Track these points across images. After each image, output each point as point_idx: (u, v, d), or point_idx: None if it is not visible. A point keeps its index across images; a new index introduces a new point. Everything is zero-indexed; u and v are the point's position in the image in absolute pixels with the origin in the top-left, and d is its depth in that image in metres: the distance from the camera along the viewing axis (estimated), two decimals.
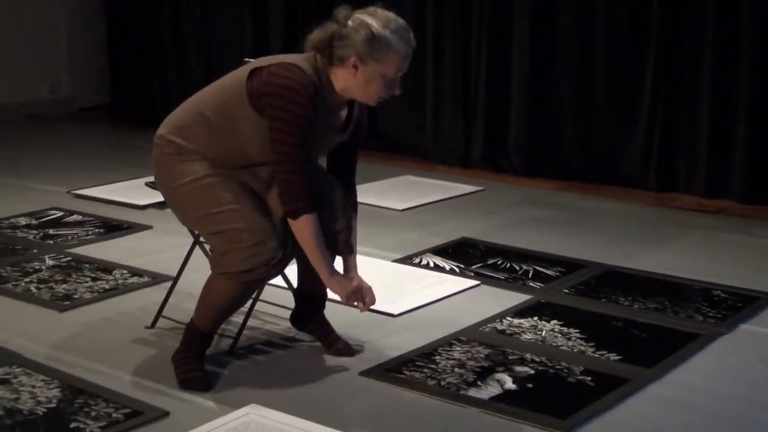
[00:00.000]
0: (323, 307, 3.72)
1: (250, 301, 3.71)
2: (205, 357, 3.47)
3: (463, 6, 6.61)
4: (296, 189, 3.22)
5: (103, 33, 8.61)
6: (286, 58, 3.31)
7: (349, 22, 3.25)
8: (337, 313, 3.82)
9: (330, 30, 3.27)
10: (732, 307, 4.17)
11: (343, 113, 3.44)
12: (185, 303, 3.71)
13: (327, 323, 3.72)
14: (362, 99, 3.35)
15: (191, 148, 3.35)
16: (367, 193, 5.98)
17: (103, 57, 8.67)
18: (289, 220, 3.26)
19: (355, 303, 3.43)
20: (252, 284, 3.34)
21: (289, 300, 3.91)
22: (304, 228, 3.25)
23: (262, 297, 3.81)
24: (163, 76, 8.06)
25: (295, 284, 3.78)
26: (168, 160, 3.40)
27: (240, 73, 3.33)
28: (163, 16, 8.11)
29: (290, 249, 3.33)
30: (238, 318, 3.79)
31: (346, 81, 3.28)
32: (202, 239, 3.70)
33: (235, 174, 3.34)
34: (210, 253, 3.43)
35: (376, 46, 3.21)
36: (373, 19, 3.25)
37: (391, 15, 3.32)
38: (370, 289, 3.48)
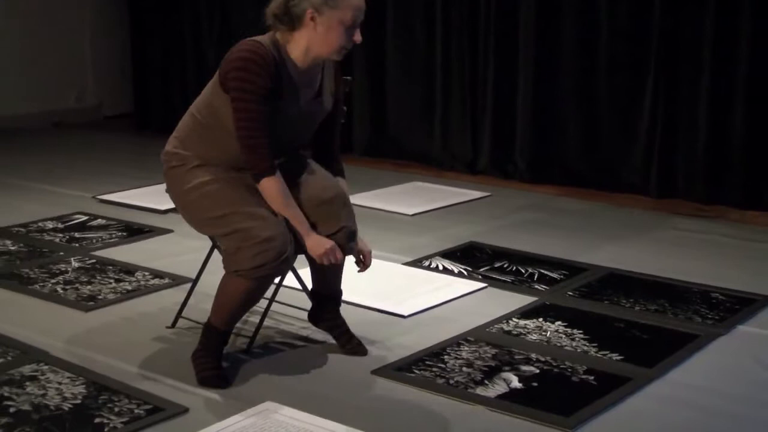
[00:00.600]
0: (338, 305, 3.72)
1: (265, 303, 3.72)
2: (222, 355, 3.47)
3: (470, 18, 6.61)
4: (258, 153, 3.26)
5: (127, 45, 8.62)
6: (243, 41, 3.34)
7: None
8: (351, 313, 3.83)
9: None
10: (730, 309, 4.16)
11: (315, 85, 3.44)
12: (204, 304, 3.72)
13: (342, 322, 3.72)
14: (326, 52, 3.32)
15: (191, 154, 3.41)
16: (378, 199, 6.00)
17: (126, 68, 8.69)
18: (257, 184, 3.31)
19: (330, 261, 3.39)
20: (264, 280, 3.33)
21: (303, 301, 3.92)
22: (270, 189, 3.30)
23: (276, 298, 3.81)
24: (183, 86, 8.07)
25: (309, 286, 3.79)
26: (173, 172, 3.46)
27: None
28: (185, 28, 8.12)
29: (294, 246, 3.34)
30: (254, 318, 3.80)
31: (307, 39, 3.29)
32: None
33: (238, 177, 3.38)
34: (224, 254, 3.44)
35: None
36: None
37: None
38: (369, 252, 3.57)
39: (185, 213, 3.49)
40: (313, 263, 3.57)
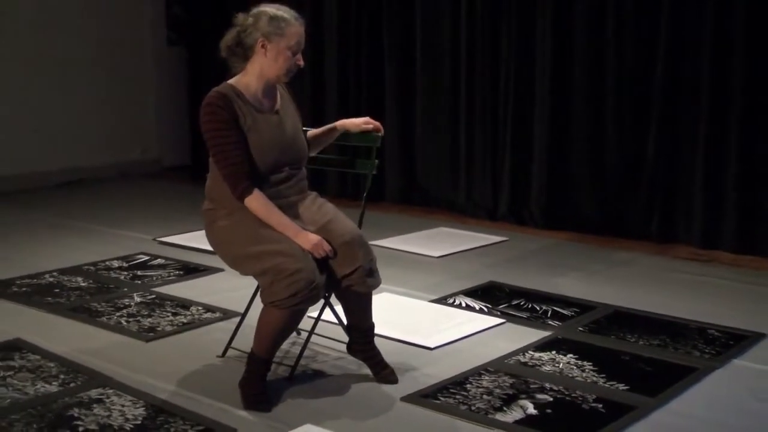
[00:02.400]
0: (371, 337, 3.70)
1: (305, 335, 3.71)
2: (266, 382, 3.46)
3: (492, 85, 6.63)
4: (234, 177, 3.37)
5: (185, 105, 8.71)
6: None
7: (249, 17, 3.45)
8: (383, 344, 3.81)
9: (235, 30, 3.49)
10: (725, 344, 4.11)
11: (275, 109, 3.54)
12: (251, 335, 3.71)
13: (377, 353, 3.70)
14: (276, 75, 3.47)
15: (218, 205, 3.48)
16: (407, 242, 6.00)
17: (185, 125, 8.77)
18: (244, 204, 3.38)
19: (321, 252, 3.39)
20: (298, 308, 3.32)
21: (338, 334, 3.91)
22: (252, 205, 3.39)
23: (315, 331, 3.81)
24: None
25: (344, 320, 3.78)
26: (211, 227, 3.54)
27: None
28: None
29: (322, 276, 3.36)
30: (295, 349, 3.80)
31: (260, 64, 3.45)
32: None
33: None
34: (261, 290, 3.44)
35: (275, 24, 3.40)
36: (266, 7, 3.46)
37: (276, 4, 3.49)
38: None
39: (225, 260, 3.56)
40: (344, 302, 3.59)
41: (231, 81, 3.49)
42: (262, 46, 3.40)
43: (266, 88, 3.49)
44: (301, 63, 3.48)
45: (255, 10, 3.44)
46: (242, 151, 3.37)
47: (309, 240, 3.37)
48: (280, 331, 3.38)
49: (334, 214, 3.55)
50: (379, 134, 3.79)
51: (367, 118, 3.81)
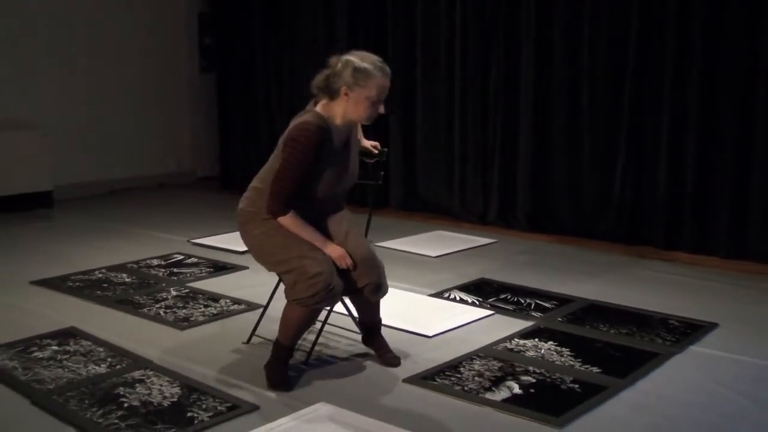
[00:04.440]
0: (379, 330, 3.72)
1: (319, 324, 3.72)
2: (288, 366, 3.48)
3: (482, 107, 6.63)
4: (277, 199, 3.30)
5: (215, 123, 8.72)
6: (301, 118, 3.37)
7: (339, 64, 3.31)
8: (387, 333, 3.82)
9: (325, 73, 3.35)
10: (683, 332, 4.11)
11: (345, 141, 3.46)
12: (272, 324, 3.73)
13: (383, 342, 3.72)
14: (356, 118, 3.36)
15: (259, 210, 3.43)
16: (409, 244, 6.01)
17: (215, 141, 8.79)
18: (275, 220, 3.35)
19: (344, 264, 3.36)
20: (317, 306, 3.33)
21: (348, 324, 3.92)
22: (285, 222, 3.33)
23: (328, 322, 3.82)
24: (258, 155, 8.07)
25: (355, 314, 3.80)
26: (245, 228, 3.51)
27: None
28: (259, 108, 8.20)
29: (339, 280, 3.34)
30: (311, 337, 3.80)
31: (343, 108, 3.32)
32: None
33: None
34: (285, 287, 3.46)
35: (358, 76, 3.27)
36: (354, 57, 3.31)
37: (366, 53, 3.36)
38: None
39: (255, 256, 3.53)
40: (356, 305, 3.64)
41: (321, 111, 3.36)
42: (345, 93, 3.29)
43: (346, 126, 3.42)
44: (382, 111, 3.34)
45: (344, 58, 3.31)
46: (303, 184, 3.29)
47: (335, 250, 3.35)
48: (301, 324, 3.39)
49: (352, 230, 3.50)
50: (385, 149, 3.81)
51: (376, 143, 3.82)
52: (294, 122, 3.39)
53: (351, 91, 3.28)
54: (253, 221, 3.46)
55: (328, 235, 3.43)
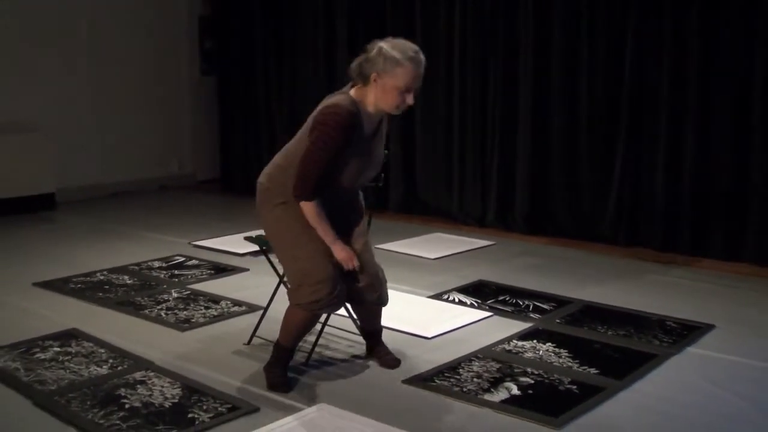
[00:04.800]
0: (380, 336, 3.75)
1: (319, 326, 3.73)
2: (288, 367, 3.48)
3: (481, 110, 6.64)
4: (305, 182, 3.20)
5: (216, 126, 8.73)
6: (332, 99, 3.29)
7: (373, 50, 3.24)
8: (387, 335, 3.83)
9: (360, 58, 3.28)
10: (680, 334, 4.12)
11: (375, 130, 3.39)
12: (273, 326, 3.74)
13: (383, 345, 3.74)
14: (385, 107, 3.26)
15: (282, 191, 3.33)
16: (408, 246, 6.01)
17: (216, 144, 8.79)
18: (298, 203, 3.26)
19: (350, 265, 3.33)
20: (319, 312, 3.34)
21: (348, 326, 3.92)
22: (306, 208, 3.25)
23: (329, 323, 3.82)
24: (259, 158, 8.10)
25: (354, 317, 3.80)
26: (264, 206, 3.41)
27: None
28: (260, 112, 8.20)
29: (342, 287, 3.34)
30: (311, 338, 3.81)
31: (374, 94, 3.24)
32: (285, 279, 3.72)
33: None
34: (287, 288, 3.45)
35: (387, 63, 3.19)
36: (387, 44, 3.23)
37: (402, 41, 3.27)
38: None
39: (270, 242, 3.47)
40: (357, 312, 3.65)
41: (354, 95, 3.28)
42: (374, 80, 3.21)
43: (377, 115, 3.34)
44: (410, 101, 3.23)
45: (378, 44, 3.23)
46: (329, 169, 3.22)
47: (342, 250, 3.32)
48: (303, 327, 3.40)
49: (367, 251, 3.47)
50: (386, 152, 3.81)
51: None
52: (325, 102, 3.31)
53: (380, 78, 3.21)
54: (267, 202, 3.38)
55: (347, 239, 3.39)
